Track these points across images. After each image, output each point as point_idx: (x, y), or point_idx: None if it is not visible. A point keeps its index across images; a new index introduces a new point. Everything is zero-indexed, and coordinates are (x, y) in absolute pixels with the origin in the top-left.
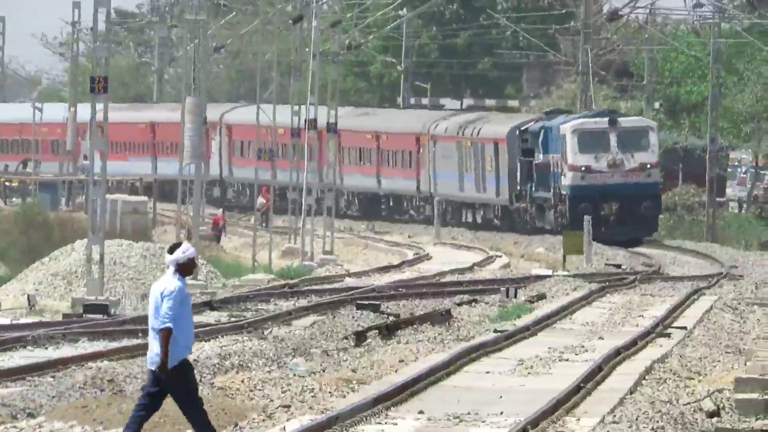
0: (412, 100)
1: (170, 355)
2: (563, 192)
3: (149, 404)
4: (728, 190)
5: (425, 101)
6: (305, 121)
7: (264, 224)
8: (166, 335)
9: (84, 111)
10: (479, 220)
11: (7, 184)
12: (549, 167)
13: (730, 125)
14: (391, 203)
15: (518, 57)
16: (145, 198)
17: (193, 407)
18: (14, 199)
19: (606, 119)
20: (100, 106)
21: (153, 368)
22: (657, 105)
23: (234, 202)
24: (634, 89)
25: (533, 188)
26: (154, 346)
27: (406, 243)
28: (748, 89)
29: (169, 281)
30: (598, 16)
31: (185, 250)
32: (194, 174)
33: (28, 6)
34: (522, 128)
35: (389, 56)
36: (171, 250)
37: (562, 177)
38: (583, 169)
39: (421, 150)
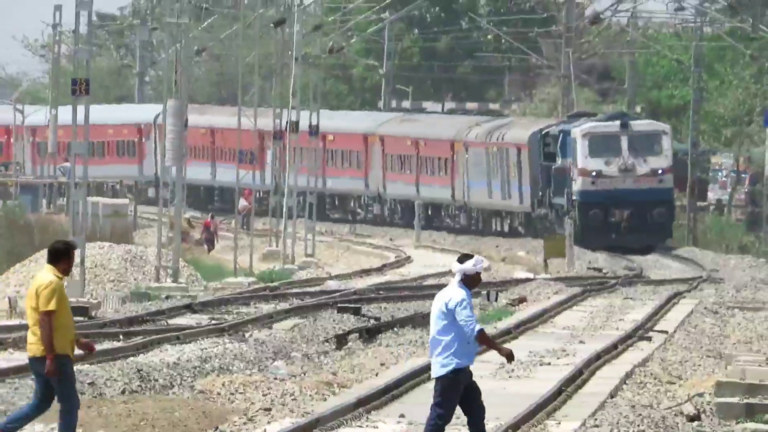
0: (393, 104)
1: (445, 363)
2: (574, 197)
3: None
4: (709, 194)
5: (406, 104)
6: (287, 123)
7: (245, 227)
8: (481, 338)
9: (104, 113)
10: (506, 229)
11: None
12: (565, 172)
13: (711, 129)
14: (429, 212)
15: (500, 60)
16: (125, 201)
17: (446, 415)
18: None
19: (617, 123)
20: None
21: (437, 376)
22: (638, 108)
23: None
24: (616, 93)
25: (551, 194)
26: (437, 357)
27: (388, 246)
28: (729, 93)
29: (454, 291)
30: (580, 20)
31: (476, 263)
32: (176, 176)
33: (8, 8)
34: (543, 132)
35: (371, 59)
36: (461, 260)
37: (573, 182)
38: (593, 174)
39: (455, 157)
